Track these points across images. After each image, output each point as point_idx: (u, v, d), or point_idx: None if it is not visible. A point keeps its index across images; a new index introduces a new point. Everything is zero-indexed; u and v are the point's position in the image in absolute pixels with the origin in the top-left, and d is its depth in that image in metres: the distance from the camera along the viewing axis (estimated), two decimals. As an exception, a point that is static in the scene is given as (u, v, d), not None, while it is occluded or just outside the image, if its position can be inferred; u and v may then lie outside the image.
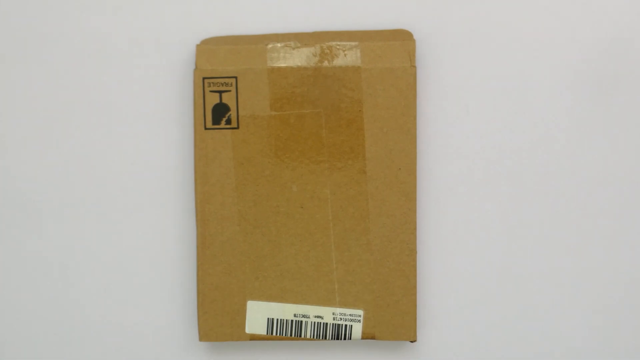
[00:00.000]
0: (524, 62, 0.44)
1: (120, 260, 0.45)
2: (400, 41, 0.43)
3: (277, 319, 0.43)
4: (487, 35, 0.44)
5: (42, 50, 0.45)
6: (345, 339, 0.43)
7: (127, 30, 0.45)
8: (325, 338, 0.43)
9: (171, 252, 0.45)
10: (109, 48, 0.45)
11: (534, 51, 0.44)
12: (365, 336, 0.43)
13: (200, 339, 0.44)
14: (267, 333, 0.43)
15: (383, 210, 0.43)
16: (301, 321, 0.43)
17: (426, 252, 0.45)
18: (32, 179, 0.45)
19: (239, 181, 0.43)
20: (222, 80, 0.43)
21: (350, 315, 0.43)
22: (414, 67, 0.42)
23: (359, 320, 0.43)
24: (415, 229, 0.43)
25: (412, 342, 0.44)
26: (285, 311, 0.43)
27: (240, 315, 0.43)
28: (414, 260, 0.43)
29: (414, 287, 0.43)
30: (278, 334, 0.43)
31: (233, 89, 0.43)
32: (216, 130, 0.43)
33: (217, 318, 0.43)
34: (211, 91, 0.43)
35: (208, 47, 0.43)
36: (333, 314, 0.43)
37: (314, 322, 0.43)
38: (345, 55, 0.43)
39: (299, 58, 0.43)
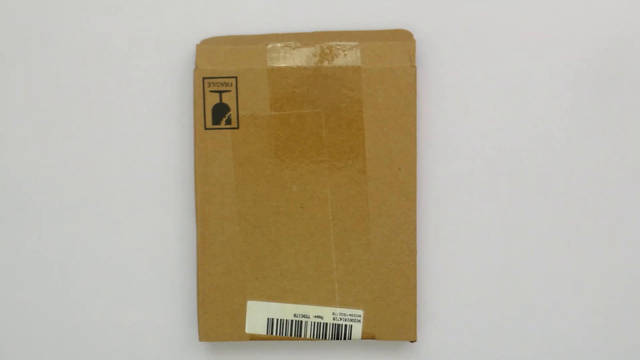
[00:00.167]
0: (524, 62, 0.44)
1: (120, 260, 0.45)
2: (400, 41, 0.43)
3: (277, 319, 0.43)
4: (487, 35, 0.44)
5: (42, 50, 0.45)
6: (345, 339, 0.43)
7: (127, 30, 0.45)
8: (325, 338, 0.43)
9: (171, 252, 0.45)
10: (109, 48, 0.45)
11: (534, 51, 0.44)
12: (365, 336, 0.43)
13: (200, 339, 0.44)
14: (267, 333, 0.43)
15: (383, 210, 0.43)
16: (301, 321, 0.43)
17: (426, 252, 0.45)
18: (32, 179, 0.45)
19: (239, 181, 0.43)
20: (222, 80, 0.43)
21: (350, 315, 0.43)
22: (414, 67, 0.42)
23: (359, 320, 0.43)
24: (415, 229, 0.43)
25: (412, 342, 0.44)
26: (285, 311, 0.43)
27: (240, 315, 0.43)
28: (414, 260, 0.43)
29: (414, 287, 0.43)
30: (278, 334, 0.43)
31: (233, 89, 0.43)
32: (216, 130, 0.43)
33: (217, 318, 0.43)
34: (211, 91, 0.43)
35: (208, 47, 0.43)
36: (333, 314, 0.43)
37: (314, 322, 0.43)
38: (345, 55, 0.43)
39: (299, 58, 0.43)
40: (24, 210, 0.45)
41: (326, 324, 0.43)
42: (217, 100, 0.43)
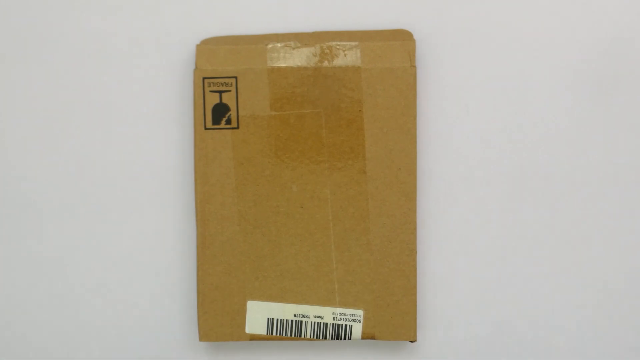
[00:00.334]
0: (524, 62, 0.44)
1: (120, 260, 0.45)
2: (400, 41, 0.43)
3: (277, 319, 0.43)
4: (487, 35, 0.44)
5: (42, 50, 0.45)
6: (345, 339, 0.43)
7: (127, 30, 0.45)
8: (325, 338, 0.43)
9: (171, 252, 0.45)
10: (109, 48, 0.45)
11: (534, 51, 0.44)
12: (365, 336, 0.43)
13: (200, 339, 0.44)
14: (267, 333, 0.43)
15: (383, 210, 0.43)
16: (301, 321, 0.43)
17: (426, 252, 0.45)
18: (32, 179, 0.45)
19: (239, 181, 0.43)
20: (222, 80, 0.43)
21: (350, 315, 0.43)
22: (414, 67, 0.42)
23: (359, 320, 0.43)
24: (415, 229, 0.43)
25: (412, 342, 0.44)
26: (285, 311, 0.43)
27: (240, 315, 0.43)
28: (414, 260, 0.43)
29: (414, 287, 0.43)
30: (278, 334, 0.43)
31: (233, 89, 0.43)
32: (216, 130, 0.43)
33: (217, 318, 0.43)
34: (211, 91, 0.43)
35: (208, 47, 0.43)
36: (333, 314, 0.43)
37: (314, 322, 0.43)
38: (345, 55, 0.43)
39: (299, 58, 0.43)
40: (24, 210, 0.45)
41: (326, 324, 0.43)
42: (217, 100, 0.43)
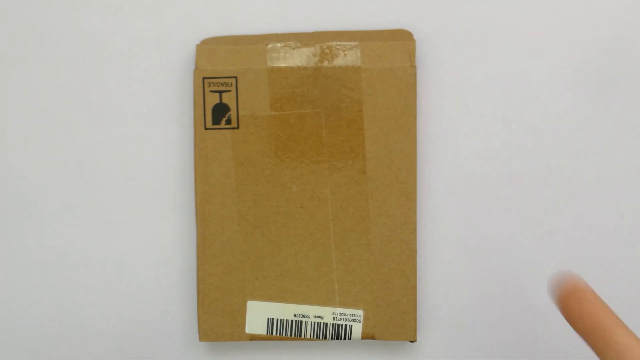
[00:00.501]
0: (524, 62, 0.44)
1: (120, 260, 0.45)
2: (400, 41, 0.43)
3: (277, 319, 0.43)
4: (487, 35, 0.44)
5: (42, 50, 0.45)
6: (345, 339, 0.43)
7: (127, 30, 0.45)
8: (325, 338, 0.43)
9: (171, 252, 0.45)
10: (109, 48, 0.45)
11: (534, 51, 0.44)
12: (365, 336, 0.43)
13: (200, 339, 0.44)
14: (267, 333, 0.43)
15: (383, 210, 0.43)
16: (301, 321, 0.43)
17: (426, 252, 0.45)
18: (32, 178, 0.45)
19: (239, 181, 0.43)
20: (222, 80, 0.43)
21: (350, 315, 0.43)
22: (414, 67, 0.42)
23: (359, 320, 0.43)
24: (415, 229, 0.43)
25: (412, 342, 0.44)
26: (285, 311, 0.43)
27: (240, 315, 0.43)
28: (414, 260, 0.43)
29: (414, 287, 0.43)
30: (278, 334, 0.43)
31: (233, 89, 0.43)
32: (216, 130, 0.43)
33: (217, 318, 0.43)
34: (211, 91, 0.43)
35: (208, 47, 0.43)
36: (333, 314, 0.43)
37: (314, 322, 0.43)
38: (345, 55, 0.43)
39: (299, 58, 0.43)
40: (24, 210, 0.45)
41: (326, 324, 0.43)
42: (217, 100, 0.43)
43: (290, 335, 0.43)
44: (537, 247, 0.45)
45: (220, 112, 0.43)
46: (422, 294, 0.45)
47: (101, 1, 0.45)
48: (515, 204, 0.44)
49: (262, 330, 0.43)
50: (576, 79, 0.44)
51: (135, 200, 0.45)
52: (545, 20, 0.44)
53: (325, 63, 0.43)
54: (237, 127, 0.43)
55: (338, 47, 0.43)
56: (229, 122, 0.43)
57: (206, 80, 0.43)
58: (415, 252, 0.43)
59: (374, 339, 0.43)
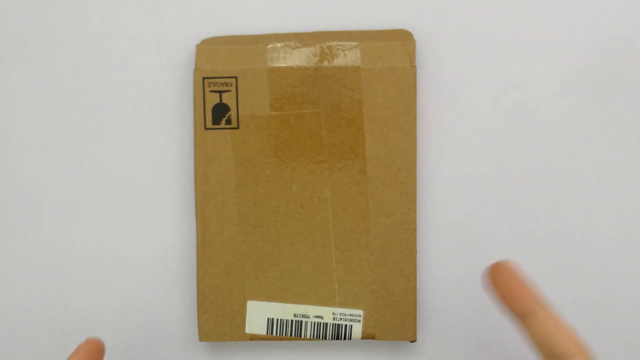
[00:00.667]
0: (524, 62, 0.44)
1: (120, 260, 0.45)
2: (400, 41, 0.43)
3: (277, 319, 0.43)
4: (487, 35, 0.44)
5: (42, 50, 0.45)
6: (345, 339, 0.43)
7: (127, 30, 0.45)
8: (325, 338, 0.43)
9: (171, 252, 0.45)
10: (109, 48, 0.45)
11: (534, 51, 0.44)
12: (365, 336, 0.43)
13: (200, 339, 0.44)
14: (267, 333, 0.43)
15: (383, 210, 0.43)
16: (301, 321, 0.43)
17: (426, 252, 0.45)
18: (32, 178, 0.45)
19: (239, 181, 0.43)
20: (222, 80, 0.43)
21: (350, 315, 0.43)
22: (414, 67, 0.42)
23: (359, 320, 0.43)
24: (415, 229, 0.43)
25: (412, 342, 0.44)
26: (285, 311, 0.43)
27: (240, 315, 0.43)
28: (414, 260, 0.43)
29: (414, 287, 0.43)
30: (278, 334, 0.43)
31: (233, 89, 0.43)
32: (216, 130, 0.43)
33: (217, 318, 0.43)
34: (211, 91, 0.43)
35: (208, 47, 0.43)
36: (333, 314, 0.43)
37: (314, 322, 0.43)
38: (345, 55, 0.43)
39: (299, 58, 0.43)
40: (24, 210, 0.45)
41: (326, 324, 0.43)
42: (217, 100, 0.43)
43: (290, 335, 0.43)
44: (537, 247, 0.45)
45: (220, 112, 0.43)
46: (422, 294, 0.45)
47: (101, 1, 0.45)
48: (515, 203, 0.44)
49: (262, 330, 0.43)
50: (576, 79, 0.44)
51: (135, 200, 0.45)
52: (545, 20, 0.44)
53: (325, 63, 0.43)
54: (237, 127, 0.43)
55: (338, 47, 0.43)
56: (229, 122, 0.43)
57: (206, 80, 0.43)
58: (415, 252, 0.43)
59: (374, 339, 0.43)
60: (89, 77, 0.45)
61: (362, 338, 0.43)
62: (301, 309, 0.43)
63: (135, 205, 0.45)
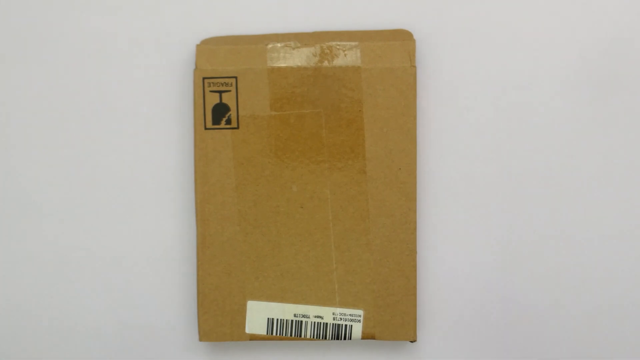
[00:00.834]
0: (524, 62, 0.44)
1: (121, 260, 0.45)
2: (400, 41, 0.43)
3: (277, 319, 0.43)
4: (487, 36, 0.44)
5: (42, 50, 0.45)
6: (345, 339, 0.43)
7: (127, 30, 0.45)
8: (325, 338, 0.43)
9: (171, 252, 0.45)
10: (109, 48, 0.45)
11: (534, 51, 0.44)
12: (365, 336, 0.43)
13: (200, 339, 0.44)
14: (267, 333, 0.43)
15: (383, 210, 0.43)
16: (301, 321, 0.43)
17: (426, 252, 0.45)
18: (32, 178, 0.45)
19: (239, 181, 0.43)
20: (222, 80, 0.43)
21: (350, 315, 0.43)
22: (414, 67, 0.42)
23: (359, 320, 0.43)
24: (415, 229, 0.43)
25: (412, 342, 0.44)
26: (285, 311, 0.43)
27: (240, 315, 0.43)
28: (414, 260, 0.43)
29: (414, 287, 0.43)
30: (278, 334, 0.43)
31: (233, 89, 0.43)
32: (216, 130, 0.43)
33: (217, 318, 0.43)
34: (211, 91, 0.43)
35: (208, 47, 0.43)
36: (333, 314, 0.43)
37: (314, 322, 0.43)
38: (345, 55, 0.43)
39: (299, 58, 0.43)
40: (24, 210, 0.45)
41: (326, 324, 0.43)
42: (217, 100, 0.43)
43: (290, 335, 0.43)
44: (537, 246, 0.44)
45: (220, 112, 0.43)
46: (422, 294, 0.45)
47: (101, 1, 0.45)
48: (515, 203, 0.44)
49: (262, 330, 0.43)
50: (576, 79, 0.44)
51: (135, 200, 0.45)
52: (545, 20, 0.44)
53: (325, 63, 0.43)
54: (237, 127, 0.43)
55: (338, 47, 0.43)
56: (229, 122, 0.43)
57: (206, 80, 0.43)
58: (415, 252, 0.43)
59: (374, 339, 0.43)
60: (89, 77, 0.45)
61: (362, 338, 0.43)
62: (301, 309, 0.43)
63: (135, 205, 0.45)
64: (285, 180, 0.43)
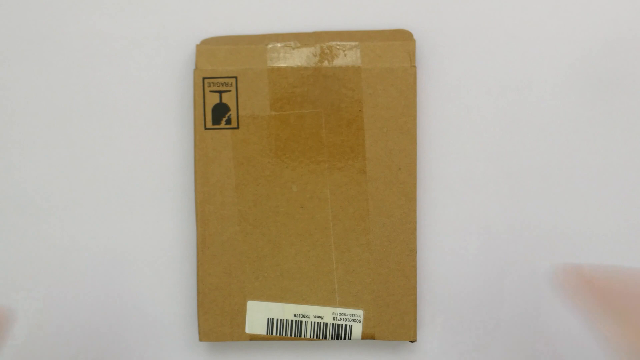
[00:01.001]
0: (524, 62, 0.44)
1: (120, 260, 0.45)
2: (400, 41, 0.43)
3: (277, 319, 0.43)
4: (487, 35, 0.44)
5: (43, 50, 0.45)
6: (345, 339, 0.43)
7: (127, 30, 0.45)
8: (325, 338, 0.43)
9: (171, 252, 0.45)
10: (109, 48, 0.45)
11: (534, 51, 0.44)
12: (365, 336, 0.43)
13: (200, 339, 0.44)
14: (267, 333, 0.43)
15: (383, 210, 0.43)
16: (301, 321, 0.43)
17: (426, 252, 0.45)
18: (32, 178, 0.45)
19: (239, 181, 0.43)
20: (222, 80, 0.43)
21: (350, 315, 0.43)
22: (414, 67, 0.42)
23: (359, 320, 0.43)
24: (415, 229, 0.43)
25: (412, 342, 0.44)
26: (285, 311, 0.43)
27: (240, 315, 0.43)
28: (414, 260, 0.43)
29: (414, 287, 0.43)
30: (278, 334, 0.43)
31: (233, 89, 0.43)
32: (216, 130, 0.43)
33: (217, 318, 0.43)
34: (211, 91, 0.43)
35: (208, 47, 0.43)
36: (333, 314, 0.43)
37: (314, 322, 0.43)
38: (345, 55, 0.43)
39: (299, 58, 0.43)
40: (24, 209, 0.45)
41: (326, 324, 0.43)
42: (217, 100, 0.43)
43: (290, 335, 0.43)
44: (537, 246, 0.45)
45: (220, 112, 0.43)
46: (422, 294, 0.45)
47: (101, 1, 0.45)
48: (515, 203, 0.44)
49: (262, 330, 0.43)
50: (576, 79, 0.44)
51: (135, 200, 0.45)
52: (545, 20, 0.44)
53: (325, 63, 0.43)
54: (237, 127, 0.43)
55: (338, 47, 0.43)
56: (229, 122, 0.43)
57: (206, 80, 0.43)
58: (415, 252, 0.43)
59: (374, 339, 0.43)
60: (89, 77, 0.45)
61: (362, 338, 0.43)
62: (301, 309, 0.43)
63: (135, 205, 0.45)
64: (285, 180, 0.43)
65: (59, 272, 0.45)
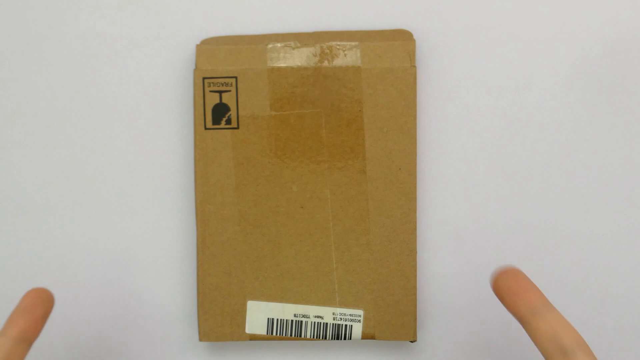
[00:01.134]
0: (524, 62, 0.44)
1: (120, 260, 0.45)
2: (400, 41, 0.43)
3: (277, 319, 0.43)
4: (487, 35, 0.44)
5: (42, 50, 0.45)
6: (345, 339, 0.43)
7: (127, 30, 0.45)
8: (325, 338, 0.43)
9: (171, 252, 0.45)
10: (109, 48, 0.45)
11: (534, 51, 0.44)
12: (365, 336, 0.43)
13: (200, 339, 0.44)
14: (267, 333, 0.43)
15: (383, 210, 0.43)
16: (301, 321, 0.43)
17: (426, 252, 0.45)
18: (32, 178, 0.45)
19: (239, 181, 0.43)
20: (222, 80, 0.43)
21: (350, 315, 0.43)
22: (414, 67, 0.42)
23: (359, 320, 0.43)
24: (415, 229, 0.43)
25: (412, 342, 0.44)
26: (285, 311, 0.43)
27: (240, 315, 0.43)
28: (414, 260, 0.43)
29: (414, 287, 0.43)
30: (278, 334, 0.43)
31: (233, 89, 0.43)
32: (216, 130, 0.43)
33: (217, 318, 0.43)
34: (211, 91, 0.43)
35: (208, 47, 0.43)
36: (333, 314, 0.43)
37: (314, 322, 0.43)
38: (345, 55, 0.43)
39: (299, 58, 0.43)
40: (24, 209, 0.45)
41: (326, 324, 0.43)
42: (217, 100, 0.43)
43: (290, 335, 0.43)
44: (537, 247, 0.45)
45: (220, 112, 0.43)
46: (422, 294, 0.45)
47: (101, 1, 0.45)
48: (515, 203, 0.44)
49: (262, 330, 0.43)
50: (576, 79, 0.44)
51: (135, 200, 0.45)
52: (544, 20, 0.44)
53: (325, 63, 0.43)
54: (237, 127, 0.43)
55: (338, 47, 0.43)
56: (229, 122, 0.43)
57: (206, 80, 0.43)
58: (415, 252, 0.43)
59: (374, 339, 0.43)
60: (89, 77, 0.45)
61: (362, 338, 0.43)
62: (301, 309, 0.43)
63: (135, 205, 0.45)
64: (285, 180, 0.43)
65: (59, 272, 0.45)
